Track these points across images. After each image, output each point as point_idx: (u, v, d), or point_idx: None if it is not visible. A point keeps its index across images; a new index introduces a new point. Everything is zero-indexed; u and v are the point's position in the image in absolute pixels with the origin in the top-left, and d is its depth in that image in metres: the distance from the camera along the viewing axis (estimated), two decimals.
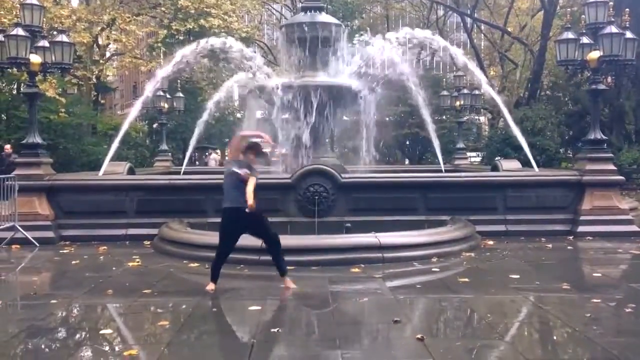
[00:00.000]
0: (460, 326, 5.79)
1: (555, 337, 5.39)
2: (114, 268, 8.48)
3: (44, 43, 11.81)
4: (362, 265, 8.29)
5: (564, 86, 33.16)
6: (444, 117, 31.04)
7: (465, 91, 21.41)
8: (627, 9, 12.22)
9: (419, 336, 5.13)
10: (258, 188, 11.27)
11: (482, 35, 42.74)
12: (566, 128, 30.79)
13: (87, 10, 27.64)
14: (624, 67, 11.96)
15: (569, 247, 10.12)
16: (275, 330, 5.45)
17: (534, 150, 14.61)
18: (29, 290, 7.38)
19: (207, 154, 28.14)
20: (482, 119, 43.63)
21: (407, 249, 8.85)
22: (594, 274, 8.04)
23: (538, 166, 13.17)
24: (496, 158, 24.51)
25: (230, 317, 6.30)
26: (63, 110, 24.07)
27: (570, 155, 28.72)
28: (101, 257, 9.39)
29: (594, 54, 11.25)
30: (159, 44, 29.28)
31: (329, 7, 33.67)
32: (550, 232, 10.99)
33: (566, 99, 34.70)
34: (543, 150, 25.87)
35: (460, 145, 21.36)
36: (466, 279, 7.53)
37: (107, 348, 5.17)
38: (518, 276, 7.66)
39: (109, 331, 5.56)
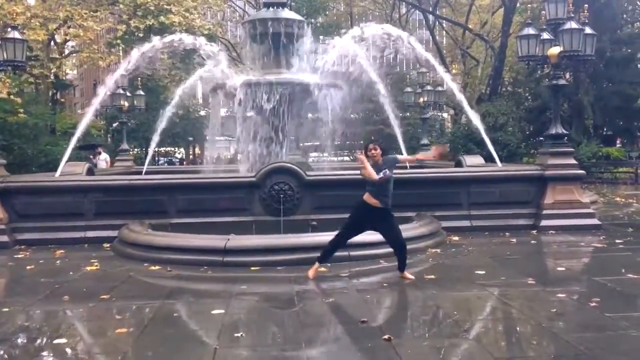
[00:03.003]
0: (428, 325, 5.72)
1: (522, 334, 5.37)
2: (71, 273, 8.16)
3: None
4: (329, 264, 8.16)
5: (524, 82, 33.74)
6: (407, 113, 31.19)
7: (429, 88, 21.54)
8: (586, 5, 12.40)
9: (386, 337, 5.04)
10: (222, 187, 11.19)
11: (444, 32, 43.21)
12: (527, 123, 31.31)
13: (43, 7, 26.84)
14: (584, 63, 12.14)
15: (532, 242, 10.20)
16: (239, 334, 5.28)
17: (495, 146, 14.76)
18: None
19: (95, 153, 23.04)
20: (445, 115, 44.12)
21: (374, 246, 8.72)
22: (558, 268, 8.09)
23: (500, 161, 13.27)
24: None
25: (193, 321, 6.08)
26: (22, 110, 23.32)
27: (533, 150, 29.16)
28: (58, 262, 9.04)
29: (555, 50, 11.37)
30: (118, 41, 28.66)
31: (293, 4, 33.55)
32: (514, 226, 11.08)
33: (526, 94, 35.32)
34: (505, 146, 26.23)
35: (425, 141, 21.47)
36: (432, 276, 7.49)
37: (61, 359, 4.93)
38: (484, 272, 7.66)
39: (63, 340, 5.29)
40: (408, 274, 7.49)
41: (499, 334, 5.50)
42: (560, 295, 6.49)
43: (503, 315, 5.97)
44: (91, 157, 22.51)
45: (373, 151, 7.44)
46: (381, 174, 7.30)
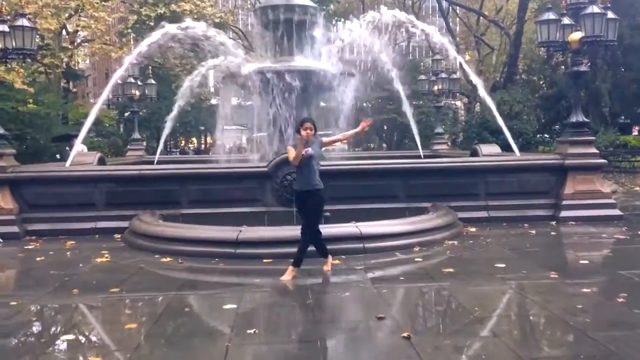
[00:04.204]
0: (448, 321, 5.48)
1: (548, 331, 5.12)
2: (81, 265, 8.02)
3: (4, 27, 11.18)
4: (343, 257, 7.97)
5: (539, 69, 33.20)
6: (420, 102, 30.84)
7: (443, 75, 21.14)
8: None
9: (405, 334, 4.82)
10: (233, 177, 11.01)
11: (458, 19, 42.57)
12: (542, 111, 30.82)
13: None
14: (606, 48, 11.76)
15: (552, 233, 9.91)
16: (252, 331, 5.08)
17: (511, 134, 14.42)
18: None
19: (71, 144, 20.04)
20: (458, 103, 43.65)
21: (389, 238, 8.55)
22: (581, 261, 7.81)
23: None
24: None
25: (205, 317, 5.91)
26: (31, 100, 23.25)
27: (549, 138, 28.71)
28: (68, 253, 8.92)
29: (576, 35, 11.00)
30: (129, 30, 28.51)
31: None
32: (533, 217, 10.79)
33: (541, 82, 34.76)
34: (520, 134, 25.82)
35: (439, 130, 21.10)
36: (451, 269, 7.25)
37: (69, 355, 4.78)
38: (503, 265, 7.41)
39: (71, 336, 5.14)
40: (288, 275, 6.88)
41: (522, 331, 5.25)
42: (584, 290, 6.24)
43: (526, 311, 5.72)
44: (67, 148, 20.36)
45: (308, 131, 6.95)
46: (303, 152, 6.89)
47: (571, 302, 5.77)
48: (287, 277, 6.90)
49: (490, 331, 5.05)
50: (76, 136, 20.08)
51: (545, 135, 30.85)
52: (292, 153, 6.98)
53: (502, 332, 5.08)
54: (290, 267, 6.99)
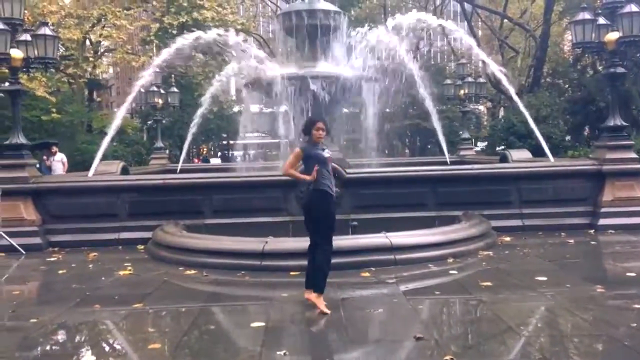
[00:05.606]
0: (492, 342, 5.07)
1: (603, 354, 4.73)
2: (103, 278, 7.80)
3: (26, 37, 11.10)
4: (373, 269, 7.64)
5: (564, 72, 32.48)
6: (444, 107, 30.37)
7: (470, 79, 20.70)
8: None
9: (447, 358, 4.46)
10: (258, 186, 10.76)
11: (480, 23, 42.00)
12: (570, 115, 30.11)
13: (77, 5, 26.88)
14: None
15: (592, 242, 9.46)
16: (282, 353, 4.77)
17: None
18: (8, 307, 6.56)
19: (50, 153, 18.34)
20: (482, 108, 42.98)
21: (421, 249, 8.18)
22: (628, 274, 7.34)
23: (544, 155, 12.41)
24: (498, 148, 23.90)
25: (232, 336, 5.58)
26: (55, 110, 23.37)
27: (577, 143, 28.02)
28: (90, 265, 8.71)
29: (613, 35, 10.55)
30: (152, 38, 28.57)
31: None
32: (570, 225, 10.33)
33: (567, 85, 34.00)
34: (547, 139, 25.19)
35: (466, 135, 20.65)
36: (488, 283, 6.85)
37: None
38: (545, 278, 6.99)
39: (92, 356, 4.87)
40: (323, 304, 5.88)
41: (575, 354, 4.82)
42: (636, 305, 5.81)
43: (576, 330, 5.28)
44: (45, 157, 18.44)
45: (321, 131, 6.11)
46: (326, 153, 6.13)
47: (624, 320, 5.36)
48: (323, 308, 5.87)
49: (540, 353, 4.65)
50: (55, 144, 19.45)
51: (572, 139, 30.13)
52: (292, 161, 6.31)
53: (553, 354, 4.68)
54: (315, 294, 6.03)
